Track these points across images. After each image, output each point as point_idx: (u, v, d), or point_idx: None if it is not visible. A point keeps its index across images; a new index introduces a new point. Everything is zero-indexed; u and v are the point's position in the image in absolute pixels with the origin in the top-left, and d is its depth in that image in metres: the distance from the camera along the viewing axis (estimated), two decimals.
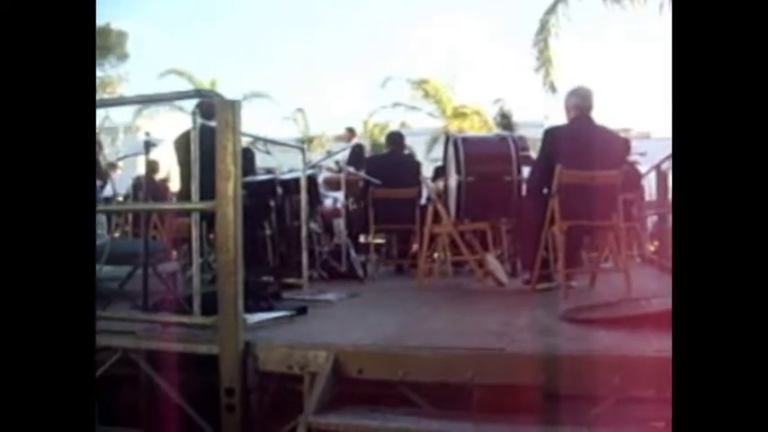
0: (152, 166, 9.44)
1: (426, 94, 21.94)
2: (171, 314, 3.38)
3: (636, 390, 2.70)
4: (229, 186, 2.94)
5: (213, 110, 4.92)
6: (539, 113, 20.04)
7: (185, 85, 21.43)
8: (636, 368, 2.61)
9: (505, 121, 19.53)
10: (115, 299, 3.78)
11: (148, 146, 4.00)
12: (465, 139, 5.06)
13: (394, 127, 20.78)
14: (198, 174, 3.27)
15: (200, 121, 3.36)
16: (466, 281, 5.83)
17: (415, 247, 7.14)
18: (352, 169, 7.04)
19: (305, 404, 2.75)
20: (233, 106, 2.99)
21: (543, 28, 15.08)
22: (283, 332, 3.33)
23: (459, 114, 21.35)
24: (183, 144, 5.43)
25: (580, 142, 4.58)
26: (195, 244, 3.33)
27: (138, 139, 9.97)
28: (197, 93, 3.27)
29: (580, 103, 4.72)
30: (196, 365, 3.36)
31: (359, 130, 19.81)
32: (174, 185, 8.27)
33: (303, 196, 4.91)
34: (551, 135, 4.76)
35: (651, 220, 9.10)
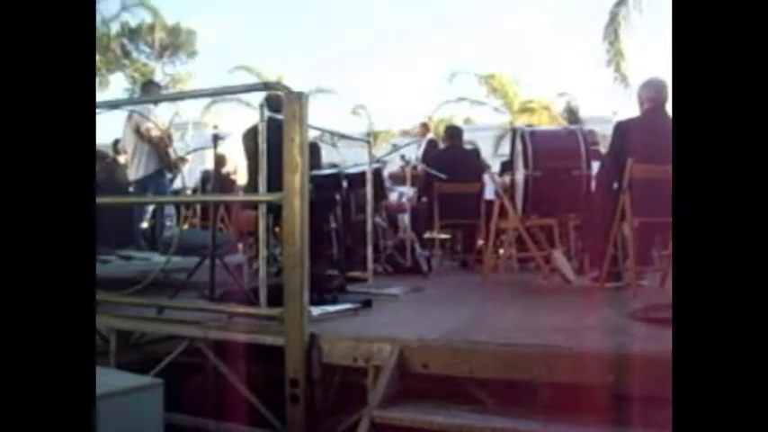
0: (219, 160, 9.64)
1: (493, 90, 21.73)
2: (237, 305, 3.41)
3: None
4: (296, 178, 2.95)
5: (281, 103, 4.98)
6: (608, 108, 19.60)
7: (252, 78, 21.72)
8: None
9: (572, 116, 19.19)
10: (183, 289, 3.84)
11: (217, 139, 4.06)
12: (533, 133, 4.95)
13: (459, 122, 20.68)
14: (265, 166, 3.29)
15: (267, 113, 3.37)
16: (532, 277, 5.74)
17: (479, 242, 7.08)
18: (421, 165, 7.02)
19: (369, 397, 2.75)
20: (300, 98, 3.00)
21: (613, 20, 14.74)
22: (348, 325, 3.33)
23: (525, 109, 21.09)
24: (251, 137, 5.51)
25: (653, 135, 4.42)
26: (262, 236, 3.35)
27: (206, 133, 10.16)
28: (265, 85, 3.29)
29: (654, 95, 4.56)
30: (261, 356, 3.40)
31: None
32: (241, 179, 8.42)
33: (369, 190, 4.90)
34: (622, 128, 4.62)
35: None
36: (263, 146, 3.31)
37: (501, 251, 6.00)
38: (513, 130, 5.70)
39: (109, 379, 2.96)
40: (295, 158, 2.94)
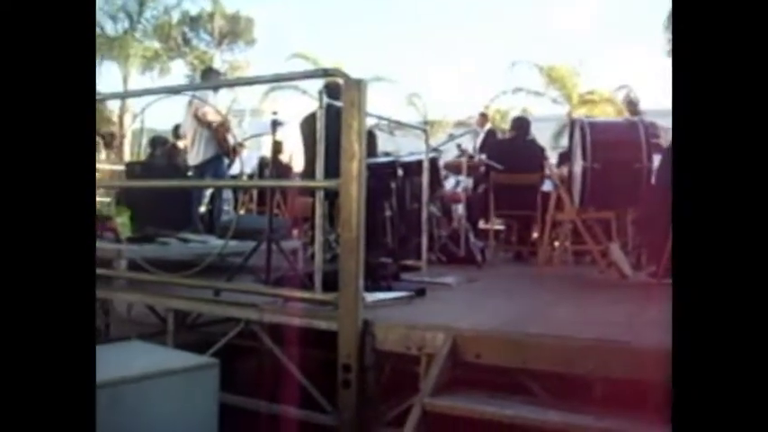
0: (277, 146, 9.73)
1: (551, 80, 21.42)
2: (293, 289, 3.45)
3: None
4: (354, 165, 2.97)
5: (339, 91, 5.00)
6: (669, 101, 19.10)
7: (310, 66, 21.87)
8: None
9: (632, 107, 18.77)
10: (239, 272, 3.90)
11: (275, 125, 4.10)
12: (592, 124, 4.87)
13: (516, 113, 20.43)
14: (323, 152, 3.31)
15: (326, 100, 3.39)
16: (587, 270, 5.67)
17: (535, 234, 7.01)
18: (480, 155, 6.99)
19: (421, 385, 2.75)
20: (359, 85, 3.01)
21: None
22: (401, 313, 3.34)
23: (585, 101, 20.73)
24: (308, 125, 5.55)
25: None
26: (318, 221, 3.38)
27: (263, 120, 10.28)
28: (324, 72, 3.30)
29: None
30: (315, 340, 3.44)
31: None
32: (297, 165, 8.49)
33: (425, 179, 4.90)
34: None
35: None
36: (321, 132, 3.34)
37: (556, 243, 5.93)
38: (572, 121, 5.61)
39: (166, 358, 3.04)
40: (353, 145, 2.96)
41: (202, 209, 7.63)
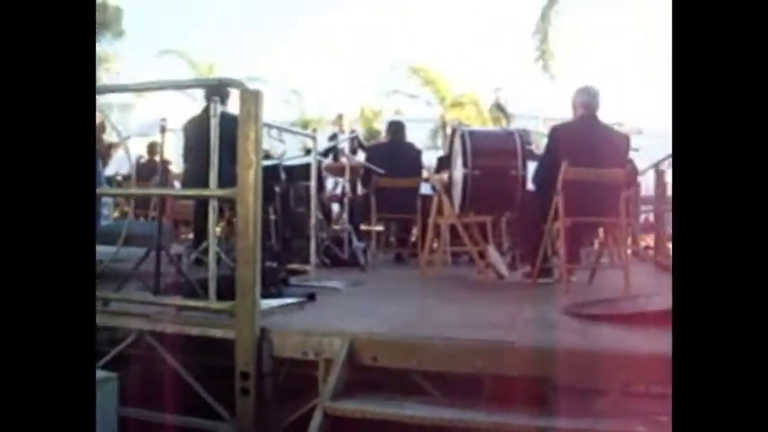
0: (152, 148, 9.50)
1: (425, 82, 21.96)
2: (185, 298, 3.44)
3: (639, 385, 2.83)
4: (251, 174, 3.01)
5: (224, 94, 4.97)
6: (535, 104, 20.08)
7: (182, 63, 21.40)
8: (639, 364, 2.70)
9: (500, 112, 19.53)
10: (127, 281, 3.82)
11: (164, 129, 4.02)
12: (472, 133, 5.13)
13: (388, 114, 20.83)
14: (217, 161, 3.33)
15: (220, 108, 3.40)
16: (466, 271, 5.92)
17: (413, 236, 7.23)
18: (358, 157, 7.11)
19: (320, 390, 2.83)
20: (256, 97, 3.05)
21: (545, 16, 15.13)
22: (295, 319, 3.40)
23: (457, 104, 21.40)
24: (193, 128, 5.48)
25: (586, 140, 4.67)
26: (212, 230, 3.39)
27: (147, 121, 10.00)
28: (220, 81, 3.31)
29: (588, 101, 4.80)
30: (206, 348, 3.43)
31: (354, 115, 19.87)
32: (176, 168, 8.31)
33: (313, 183, 4.98)
34: (558, 132, 4.85)
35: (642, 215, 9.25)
36: (215, 141, 3.35)
37: (435, 245, 6.15)
38: (453, 129, 5.86)
39: None
40: (250, 156, 3.00)
41: None
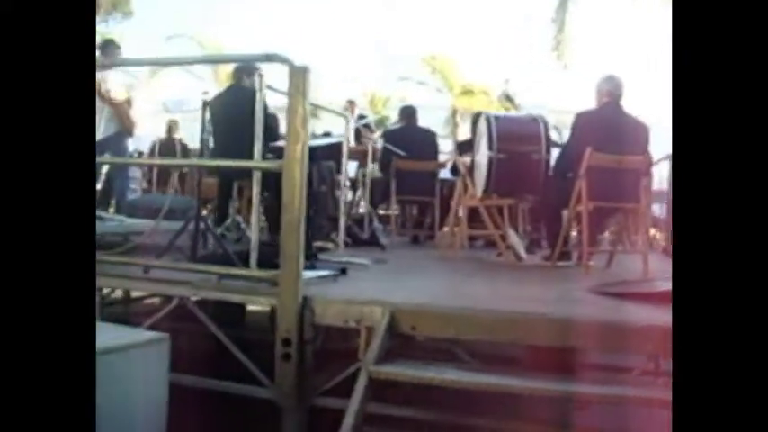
0: (171, 126, 9.63)
1: (433, 70, 22.01)
2: (228, 267, 3.55)
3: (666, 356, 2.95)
4: (297, 148, 3.11)
5: (251, 72, 5.08)
6: (543, 95, 20.11)
7: (194, 47, 21.38)
8: (667, 337, 2.82)
9: (507, 103, 19.57)
10: (167, 251, 3.95)
11: (206, 104, 4.11)
12: (498, 117, 5.25)
13: (396, 101, 20.85)
14: (261, 134, 3.44)
15: (248, 81, 3.51)
16: (485, 254, 6.05)
17: (428, 219, 7.34)
18: (379, 141, 7.24)
19: (362, 355, 2.95)
20: (303, 72, 3.15)
21: (562, 4, 15.14)
22: (334, 289, 3.52)
23: (467, 92, 21.45)
24: (219, 105, 5.59)
25: (610, 127, 4.78)
26: (255, 202, 3.51)
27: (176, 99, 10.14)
28: (267, 56, 3.39)
29: (613, 90, 4.92)
30: (241, 317, 3.56)
31: (362, 102, 19.89)
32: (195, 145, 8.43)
33: (344, 162, 5.10)
34: (583, 118, 4.96)
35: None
36: (259, 114, 3.46)
37: (456, 228, 6.27)
38: (478, 114, 5.97)
39: (107, 334, 2.98)
40: (297, 130, 3.11)
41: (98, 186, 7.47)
